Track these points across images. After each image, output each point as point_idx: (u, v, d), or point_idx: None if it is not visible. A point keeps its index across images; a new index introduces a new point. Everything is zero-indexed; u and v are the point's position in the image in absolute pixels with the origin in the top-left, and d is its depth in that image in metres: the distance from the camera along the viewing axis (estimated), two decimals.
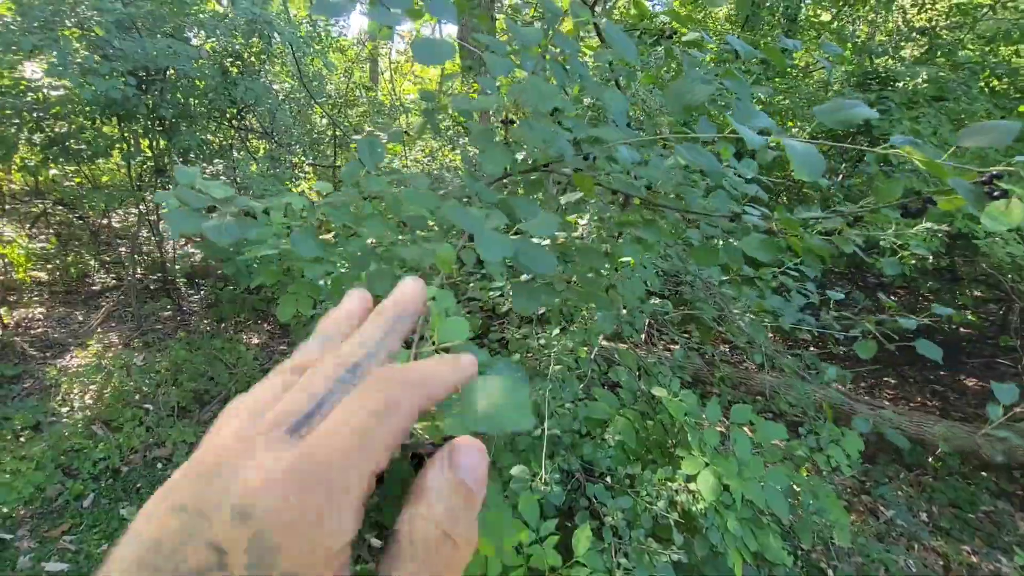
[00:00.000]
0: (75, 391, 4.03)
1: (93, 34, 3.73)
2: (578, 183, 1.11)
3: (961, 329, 6.06)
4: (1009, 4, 5.02)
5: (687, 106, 1.00)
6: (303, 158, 6.56)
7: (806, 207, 1.31)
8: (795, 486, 2.35)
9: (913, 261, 1.72)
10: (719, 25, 6.31)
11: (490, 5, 3.38)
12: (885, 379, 5.42)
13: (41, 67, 4.08)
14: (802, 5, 6.63)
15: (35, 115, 4.41)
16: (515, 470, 1.59)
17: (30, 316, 5.95)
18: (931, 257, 4.79)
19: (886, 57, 5.21)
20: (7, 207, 6.77)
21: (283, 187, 5.16)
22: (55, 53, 3.38)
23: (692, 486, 1.81)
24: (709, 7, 5.45)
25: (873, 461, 3.93)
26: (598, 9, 1.50)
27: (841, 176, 6.14)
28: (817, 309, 2.01)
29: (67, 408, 3.84)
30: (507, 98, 0.96)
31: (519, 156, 1.50)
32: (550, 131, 0.97)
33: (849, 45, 6.08)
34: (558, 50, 1.24)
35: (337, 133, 6.80)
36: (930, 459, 3.91)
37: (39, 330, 5.65)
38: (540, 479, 1.48)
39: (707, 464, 1.80)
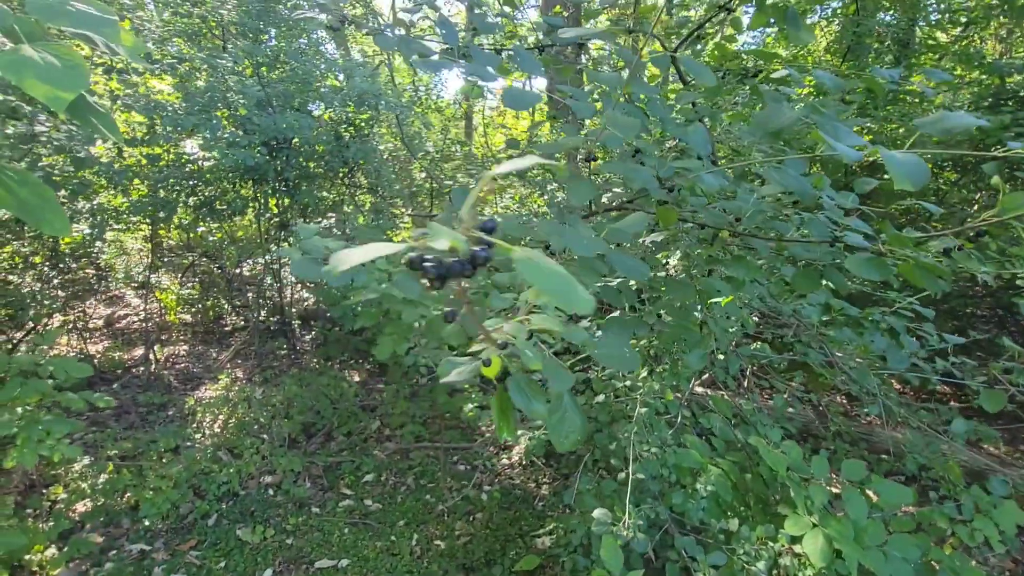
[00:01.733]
0: (206, 420, 4.54)
1: (238, 113, 4.42)
2: (661, 216, 1.12)
3: None
4: None
5: (773, 131, 0.99)
6: (403, 209, 7.11)
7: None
8: (934, 562, 2.03)
9: None
10: (817, 57, 6.05)
11: (576, 59, 3.55)
12: None
13: (196, 142, 4.89)
14: (916, 28, 6.18)
15: (191, 183, 5.24)
16: (597, 512, 1.54)
17: (176, 352, 6.86)
18: None
19: (1021, 74, 4.65)
20: (165, 259, 7.96)
21: (385, 237, 5.60)
22: (207, 131, 4.04)
23: (797, 548, 1.63)
24: (795, 43, 5.26)
25: None
26: (683, 53, 1.54)
27: (977, 207, 5.47)
28: (942, 355, 1.78)
29: (200, 435, 4.33)
30: (589, 139, 1.01)
31: (604, 197, 1.54)
32: (632, 166, 1.01)
33: (975, 65, 5.53)
34: (639, 95, 1.28)
35: (434, 185, 7.31)
36: None
37: (182, 365, 6.49)
38: (623, 524, 1.42)
39: (815, 524, 1.62)
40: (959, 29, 6.13)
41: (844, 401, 4.86)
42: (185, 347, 7.14)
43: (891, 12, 6.03)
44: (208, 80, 4.59)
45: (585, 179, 0.97)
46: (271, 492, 3.74)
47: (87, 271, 7.27)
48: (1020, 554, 3.20)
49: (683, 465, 1.96)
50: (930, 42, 6.33)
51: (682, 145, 1.46)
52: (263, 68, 4.92)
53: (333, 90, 5.38)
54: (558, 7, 6.03)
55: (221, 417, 4.55)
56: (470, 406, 3.38)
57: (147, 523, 3.29)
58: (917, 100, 5.27)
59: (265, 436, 4.23)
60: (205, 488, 3.63)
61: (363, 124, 5.69)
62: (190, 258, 7.72)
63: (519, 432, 3.18)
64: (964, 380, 1.67)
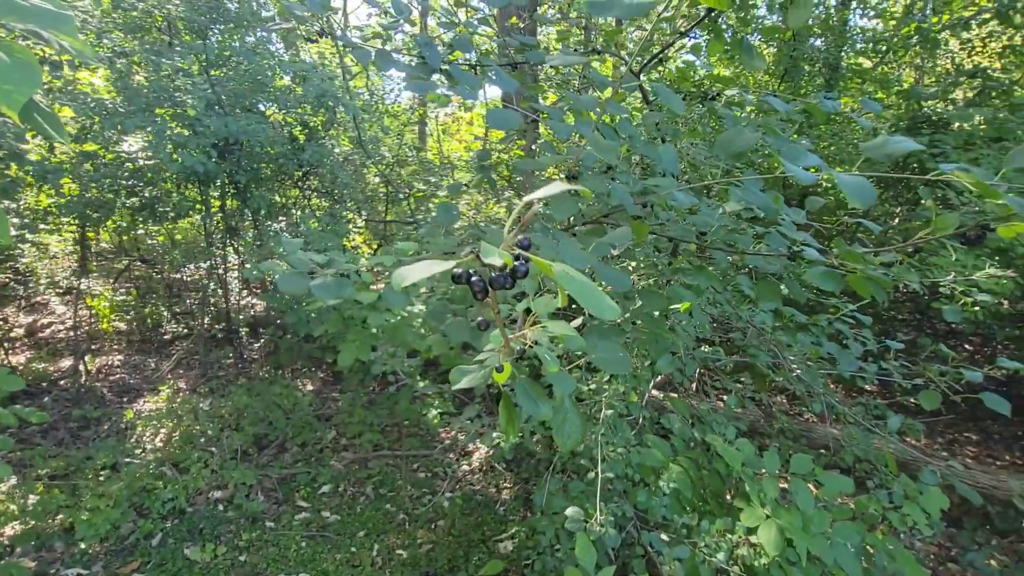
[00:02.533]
0: (147, 434, 4.29)
1: (185, 113, 4.23)
2: (634, 230, 1.19)
3: None
4: None
5: (736, 153, 1.07)
6: (356, 214, 6.98)
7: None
8: (869, 547, 2.20)
9: (977, 308, 1.67)
10: (757, 76, 6.44)
11: (534, 73, 3.65)
12: (966, 434, 5.01)
13: (135, 140, 4.63)
14: (843, 54, 6.69)
15: (130, 183, 4.95)
16: (570, 511, 1.59)
17: (109, 363, 6.43)
18: (1006, 303, 4.50)
19: (936, 101, 5.15)
20: (97, 264, 7.44)
21: (340, 241, 5.49)
22: (152, 131, 3.84)
23: (753, 539, 1.74)
24: (749, 70, 5.61)
25: (958, 525, 3.59)
26: (642, 76, 1.63)
27: (897, 220, 5.96)
28: (877, 357, 1.95)
29: (140, 450, 4.08)
30: (568, 156, 1.06)
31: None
32: (610, 184, 1.07)
33: (894, 90, 6.05)
34: (605, 115, 1.35)
35: (389, 190, 7.22)
36: None
37: (117, 376, 6.09)
38: (595, 521, 1.48)
39: (768, 516, 1.73)
40: (879, 57, 6.69)
41: (785, 400, 5.17)
42: (120, 357, 6.71)
43: (822, 38, 6.50)
44: (151, 78, 4.37)
45: (567, 195, 1.02)
46: (221, 507, 3.57)
47: (6, 275, 6.70)
48: (943, 538, 3.51)
49: (646, 464, 2.05)
50: (854, 66, 6.88)
51: (647, 161, 1.55)
52: (213, 67, 4.73)
53: (284, 91, 5.24)
54: (514, 19, 6.14)
55: (164, 430, 4.31)
56: (433, 412, 3.37)
57: (84, 546, 3.08)
58: (846, 121, 5.71)
59: (214, 449, 4.04)
60: (148, 506, 3.42)
61: (319, 127, 5.57)
62: (125, 262, 7.27)
63: (480, 437, 3.19)
64: (898, 380, 1.85)
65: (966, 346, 6.03)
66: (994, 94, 4.93)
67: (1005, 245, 3.29)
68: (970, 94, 5.35)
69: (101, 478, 3.58)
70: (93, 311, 6.99)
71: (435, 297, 2.35)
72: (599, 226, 1.32)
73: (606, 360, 0.83)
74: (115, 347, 6.97)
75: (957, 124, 4.46)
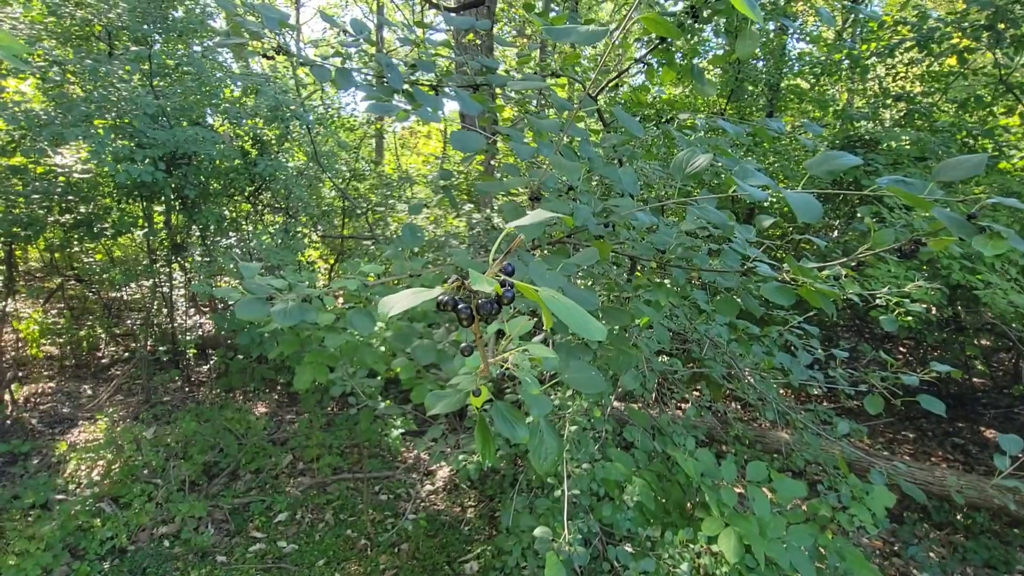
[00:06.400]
0: (83, 468, 4.00)
1: (130, 125, 4.03)
2: (598, 248, 1.21)
3: (975, 380, 6.00)
4: (979, 71, 5.40)
5: (690, 173, 1.12)
6: (311, 229, 6.81)
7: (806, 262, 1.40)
8: (820, 548, 2.29)
9: (909, 317, 1.80)
10: (705, 98, 6.74)
11: (491, 92, 3.69)
12: (903, 433, 5.32)
13: (71, 153, 4.37)
14: (783, 76, 7.10)
15: (67, 197, 4.66)
16: (538, 531, 1.59)
17: (39, 391, 5.99)
18: (934, 309, 4.84)
19: (867, 121, 5.53)
20: (24, 284, 6.94)
21: (295, 257, 5.33)
22: (93, 143, 3.64)
23: (714, 547, 1.79)
24: (701, 95, 5.87)
25: (899, 521, 3.80)
26: (600, 99, 1.68)
27: (836, 233, 6.33)
28: (824, 365, 2.06)
29: (74, 485, 3.79)
30: (532, 178, 1.08)
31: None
32: (575, 205, 1.09)
33: (830, 110, 6.46)
34: (566, 138, 1.37)
35: (346, 205, 7.09)
36: (959, 516, 3.78)
37: (47, 405, 5.66)
38: (564, 539, 1.48)
39: (727, 525, 1.78)
40: (815, 79, 7.14)
41: (739, 408, 5.35)
42: (51, 384, 6.25)
43: (764, 61, 6.88)
44: (90, 88, 4.15)
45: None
46: (167, 543, 3.36)
47: None
48: (886, 534, 3.70)
49: (610, 478, 2.08)
50: (793, 88, 7.31)
51: (607, 183, 1.60)
52: (157, 78, 4.54)
53: (234, 103, 5.08)
54: (471, 35, 6.21)
55: (102, 463, 4.03)
56: (395, 432, 3.30)
57: None
58: (789, 139, 6.04)
59: (159, 481, 3.80)
60: (84, 547, 3.18)
61: (272, 140, 5.43)
62: (57, 281, 6.81)
63: (446, 457, 3.14)
64: (843, 388, 1.95)
65: (900, 349, 6.44)
66: (917, 116, 5.34)
67: (932, 255, 3.55)
68: (897, 116, 5.78)
69: (30, 518, 3.30)
70: (20, 335, 6.50)
71: (396, 319, 2.31)
72: (562, 246, 1.35)
73: (580, 380, 0.84)
74: (45, 373, 6.50)
75: (887, 144, 4.81)
